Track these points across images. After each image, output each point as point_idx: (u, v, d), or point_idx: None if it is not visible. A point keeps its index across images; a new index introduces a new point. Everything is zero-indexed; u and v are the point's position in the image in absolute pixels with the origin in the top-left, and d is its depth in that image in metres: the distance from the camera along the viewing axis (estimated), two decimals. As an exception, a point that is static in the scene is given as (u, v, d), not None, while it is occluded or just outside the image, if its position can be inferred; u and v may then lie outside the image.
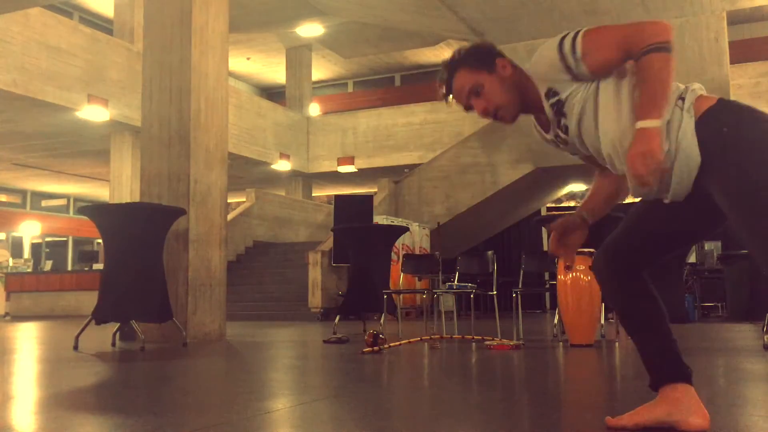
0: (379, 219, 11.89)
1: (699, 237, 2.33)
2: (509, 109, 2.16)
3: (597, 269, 2.31)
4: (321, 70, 20.20)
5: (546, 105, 2.11)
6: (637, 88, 1.97)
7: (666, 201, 2.11)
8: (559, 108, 2.10)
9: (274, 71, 20.16)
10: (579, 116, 2.08)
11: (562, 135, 2.17)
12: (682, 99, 2.05)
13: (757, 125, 1.94)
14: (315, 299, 11.74)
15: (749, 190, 1.87)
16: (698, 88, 2.13)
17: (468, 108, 2.19)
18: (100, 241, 15.21)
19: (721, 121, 1.99)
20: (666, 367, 2.12)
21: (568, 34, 2.04)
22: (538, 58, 2.12)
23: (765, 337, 4.92)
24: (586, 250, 5.52)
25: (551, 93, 2.09)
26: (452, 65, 2.18)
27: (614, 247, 2.30)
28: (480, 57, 2.16)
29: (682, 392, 2.09)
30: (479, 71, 2.14)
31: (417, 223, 13.12)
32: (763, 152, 1.88)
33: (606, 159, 2.15)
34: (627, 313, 2.21)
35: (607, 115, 2.04)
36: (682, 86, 2.09)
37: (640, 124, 1.89)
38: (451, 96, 2.20)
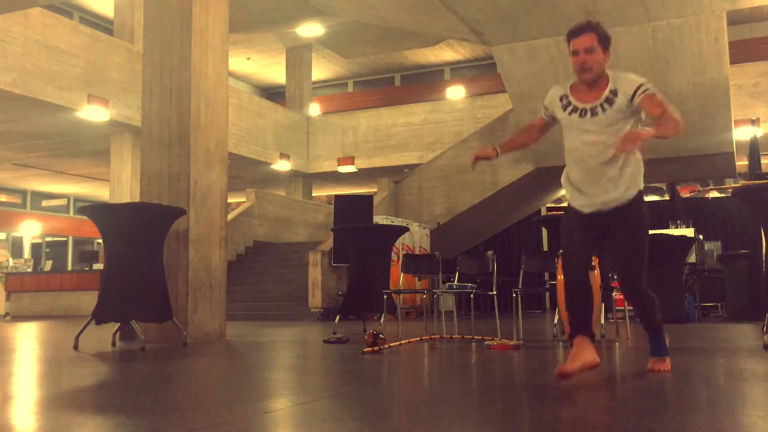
0: (379, 219, 11.89)
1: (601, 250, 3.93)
2: (593, 73, 3.38)
3: (575, 273, 3.53)
4: (321, 70, 20.19)
5: (605, 92, 3.38)
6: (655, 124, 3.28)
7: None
8: (610, 101, 3.35)
9: (274, 71, 20.16)
10: (613, 116, 3.37)
11: (586, 109, 3.41)
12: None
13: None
14: (315, 299, 11.74)
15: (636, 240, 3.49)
16: None
17: (575, 53, 3.39)
18: (100, 241, 15.21)
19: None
20: (584, 325, 3.52)
21: (647, 86, 3.34)
22: (626, 76, 3.39)
23: (765, 337, 4.92)
24: (586, 250, 5.53)
25: (613, 92, 3.36)
26: (591, 28, 3.41)
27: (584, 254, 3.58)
28: (606, 39, 3.41)
29: (588, 344, 3.45)
30: (600, 44, 3.38)
31: (417, 223, 13.12)
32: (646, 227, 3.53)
33: (585, 137, 3.44)
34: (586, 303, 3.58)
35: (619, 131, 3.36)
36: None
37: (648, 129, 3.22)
38: (574, 38, 3.40)
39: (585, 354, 3.35)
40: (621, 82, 3.37)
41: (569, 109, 3.47)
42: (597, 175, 3.39)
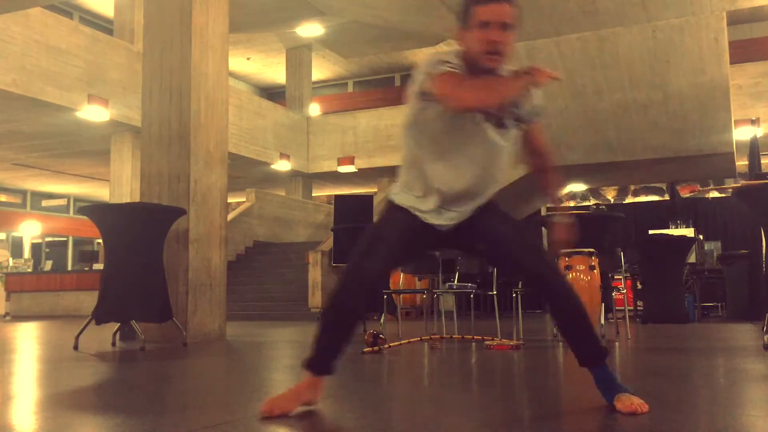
0: (379, 219, 11.87)
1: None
2: (500, 63, 2.43)
3: (368, 277, 2.54)
4: (321, 70, 20.19)
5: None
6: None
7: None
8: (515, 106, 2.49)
9: (274, 71, 20.15)
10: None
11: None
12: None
13: None
14: (315, 299, 11.73)
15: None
16: None
17: (483, 24, 2.37)
18: (100, 241, 15.20)
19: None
20: (333, 361, 2.61)
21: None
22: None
23: (765, 337, 4.92)
24: (585, 250, 5.53)
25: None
26: None
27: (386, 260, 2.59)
28: (517, 17, 2.43)
29: (322, 383, 2.62)
30: (515, 23, 2.42)
31: (417, 223, 13.10)
32: None
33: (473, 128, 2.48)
34: (352, 313, 2.59)
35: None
36: None
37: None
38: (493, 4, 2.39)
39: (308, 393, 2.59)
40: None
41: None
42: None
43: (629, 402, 2.40)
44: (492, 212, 2.62)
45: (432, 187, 2.52)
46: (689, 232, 11.51)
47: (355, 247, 2.53)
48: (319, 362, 2.58)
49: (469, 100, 2.34)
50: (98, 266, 13.47)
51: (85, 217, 5.98)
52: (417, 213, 2.54)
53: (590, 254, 5.49)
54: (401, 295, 10.20)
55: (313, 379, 2.56)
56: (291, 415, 2.42)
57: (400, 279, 7.76)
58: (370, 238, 2.55)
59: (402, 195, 2.61)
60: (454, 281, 7.07)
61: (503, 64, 2.44)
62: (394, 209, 2.60)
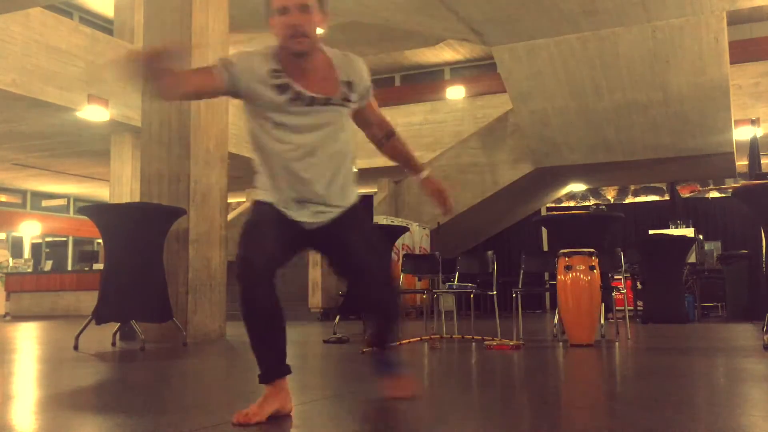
0: (379, 219, 11.89)
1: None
2: (309, 44, 2.45)
3: (256, 274, 2.49)
4: (321, 70, 20.18)
5: (339, 77, 2.53)
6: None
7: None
8: (348, 91, 2.54)
9: (274, 71, 20.14)
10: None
11: (305, 93, 2.46)
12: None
13: None
14: (315, 299, 11.73)
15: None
16: None
17: (283, 10, 2.39)
18: (100, 241, 15.20)
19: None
20: (280, 362, 2.55)
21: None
22: (353, 59, 2.64)
23: (765, 337, 4.92)
24: (585, 250, 5.53)
25: (348, 84, 2.55)
26: None
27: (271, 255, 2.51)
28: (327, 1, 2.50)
29: (285, 385, 2.51)
30: (319, 3, 2.46)
31: (417, 223, 13.11)
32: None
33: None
34: (270, 312, 2.61)
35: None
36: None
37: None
38: None
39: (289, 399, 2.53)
40: (352, 66, 2.61)
41: (288, 92, 2.46)
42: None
43: (397, 383, 2.76)
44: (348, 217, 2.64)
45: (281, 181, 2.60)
46: (689, 232, 11.51)
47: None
48: (268, 371, 2.53)
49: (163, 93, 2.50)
50: (98, 266, 13.46)
51: (85, 217, 5.98)
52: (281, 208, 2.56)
53: (590, 254, 5.49)
54: (401, 295, 10.20)
55: (272, 388, 2.48)
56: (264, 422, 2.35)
57: (400, 279, 7.76)
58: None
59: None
60: (454, 281, 7.07)
61: (314, 45, 2.47)
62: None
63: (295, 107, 2.46)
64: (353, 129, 2.72)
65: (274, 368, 2.53)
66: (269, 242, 2.45)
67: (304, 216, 2.55)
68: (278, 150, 2.54)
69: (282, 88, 2.45)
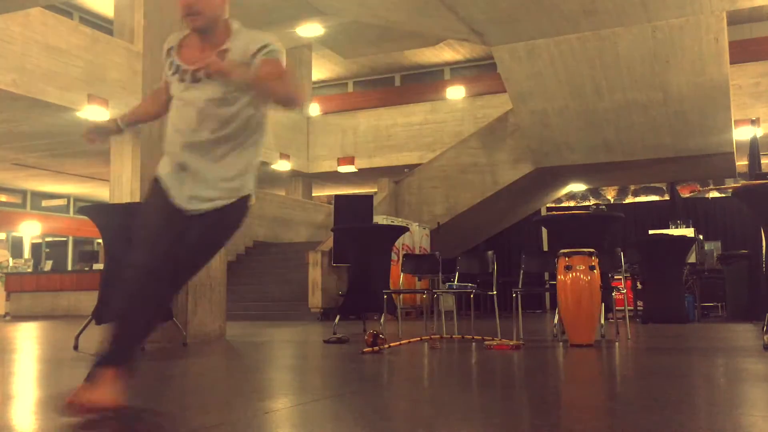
0: (379, 219, 11.88)
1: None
2: (205, 21, 2.56)
3: (154, 268, 2.52)
4: (321, 70, 20.19)
5: (226, 55, 2.53)
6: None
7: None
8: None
9: (275, 71, 20.13)
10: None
11: (188, 71, 2.58)
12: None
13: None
14: (315, 299, 11.73)
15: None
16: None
17: None
18: (100, 241, 15.19)
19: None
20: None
21: (275, 46, 2.57)
22: (254, 33, 2.60)
23: (765, 337, 4.92)
24: (585, 250, 5.53)
25: (225, 51, 2.55)
26: None
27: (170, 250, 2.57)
28: None
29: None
30: None
31: (417, 223, 13.12)
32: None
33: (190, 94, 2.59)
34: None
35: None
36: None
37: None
38: None
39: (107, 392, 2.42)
40: (242, 37, 2.60)
41: (173, 69, 2.65)
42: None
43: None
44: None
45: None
46: (689, 232, 11.51)
47: None
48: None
49: None
50: (98, 266, 13.46)
51: (85, 217, 5.98)
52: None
53: (590, 254, 5.49)
54: (401, 295, 10.21)
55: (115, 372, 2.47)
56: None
57: (400, 279, 7.76)
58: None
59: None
60: (454, 281, 7.07)
61: (210, 22, 2.56)
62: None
63: (175, 80, 2.63)
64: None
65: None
66: None
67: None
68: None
69: (171, 65, 2.65)
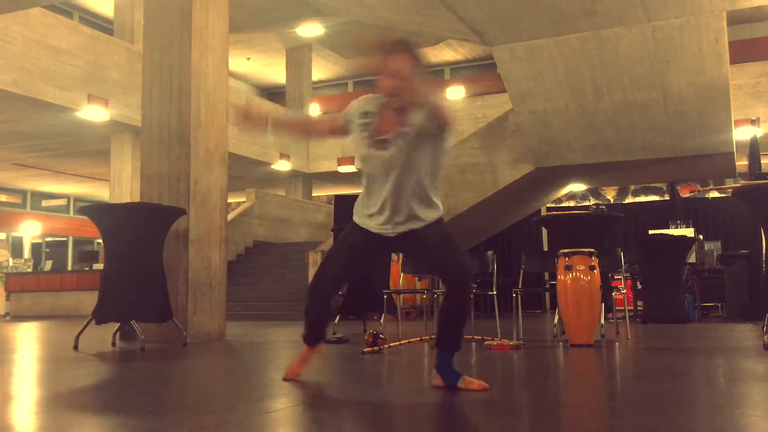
0: (379, 219, 11.86)
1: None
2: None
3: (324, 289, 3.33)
4: (321, 70, 20.19)
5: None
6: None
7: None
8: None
9: (274, 71, 20.15)
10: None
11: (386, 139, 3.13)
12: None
13: None
14: (315, 299, 11.71)
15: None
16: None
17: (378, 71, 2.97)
18: (100, 241, 15.20)
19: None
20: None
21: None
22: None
23: (765, 337, 4.92)
24: (585, 250, 5.53)
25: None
26: (403, 46, 3.01)
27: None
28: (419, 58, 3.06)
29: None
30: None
31: (417, 223, 13.09)
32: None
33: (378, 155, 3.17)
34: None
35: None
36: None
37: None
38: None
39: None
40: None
41: (367, 130, 3.26)
42: None
43: (470, 381, 3.04)
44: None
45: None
46: (689, 232, 11.51)
47: None
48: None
49: None
50: (98, 266, 13.46)
51: (85, 217, 5.98)
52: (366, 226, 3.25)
53: (590, 254, 5.49)
54: (401, 295, 10.20)
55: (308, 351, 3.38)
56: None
57: (400, 279, 7.76)
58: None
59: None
60: (454, 281, 7.05)
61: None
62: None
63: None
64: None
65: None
66: None
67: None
68: None
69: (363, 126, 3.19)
